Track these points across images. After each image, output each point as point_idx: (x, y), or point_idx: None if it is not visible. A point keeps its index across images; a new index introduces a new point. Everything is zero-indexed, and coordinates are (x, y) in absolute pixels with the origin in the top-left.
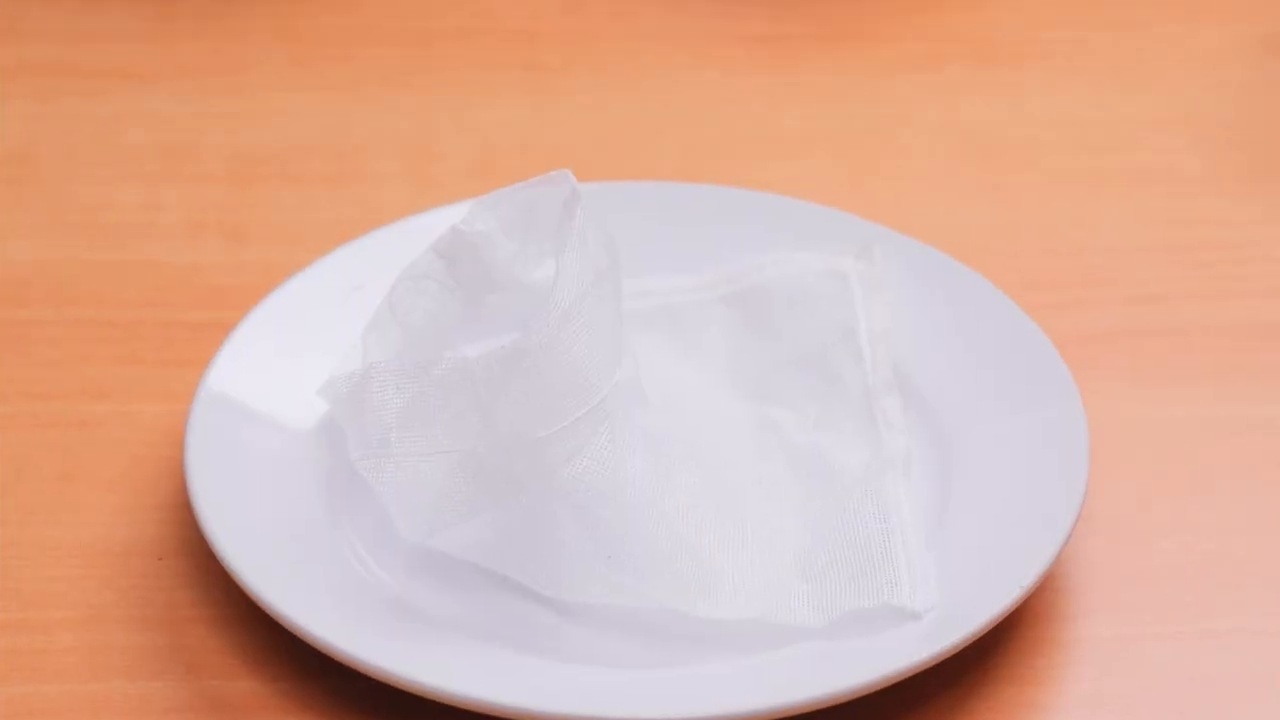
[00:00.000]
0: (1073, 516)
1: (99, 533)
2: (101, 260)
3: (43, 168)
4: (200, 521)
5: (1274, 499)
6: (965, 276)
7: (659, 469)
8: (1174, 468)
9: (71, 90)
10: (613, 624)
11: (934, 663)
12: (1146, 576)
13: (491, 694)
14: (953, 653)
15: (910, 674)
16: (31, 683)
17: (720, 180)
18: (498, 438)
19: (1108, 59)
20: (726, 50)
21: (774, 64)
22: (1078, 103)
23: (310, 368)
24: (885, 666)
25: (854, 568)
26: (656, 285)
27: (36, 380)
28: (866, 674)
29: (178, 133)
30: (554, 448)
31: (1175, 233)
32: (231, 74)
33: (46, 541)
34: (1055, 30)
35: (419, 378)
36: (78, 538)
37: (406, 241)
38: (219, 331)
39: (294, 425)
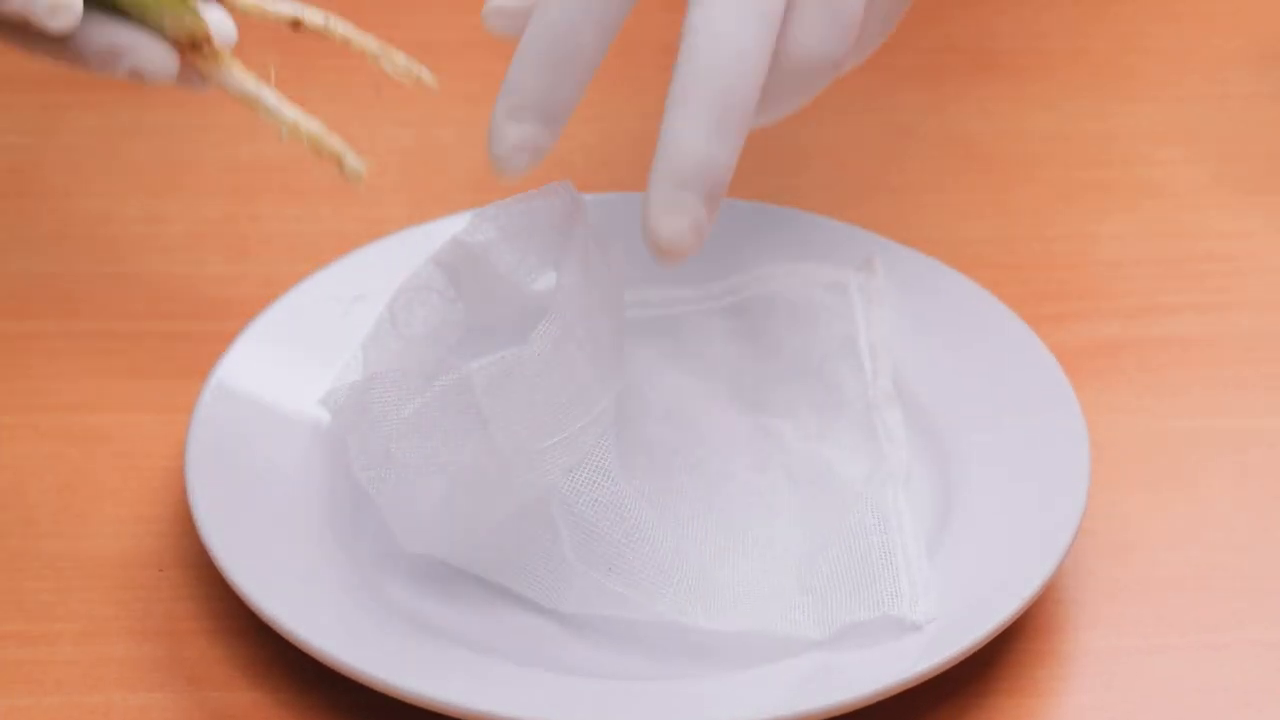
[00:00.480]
0: (1073, 528)
1: (100, 544)
2: (103, 272)
3: (44, 181)
4: (201, 533)
5: (1275, 511)
6: (966, 288)
7: (660, 479)
8: (1175, 479)
9: (73, 103)
10: (613, 636)
11: (934, 674)
12: (1147, 588)
13: (492, 705)
14: (953, 664)
15: (910, 686)
16: (33, 694)
17: None
18: (498, 449)
19: (1108, 71)
20: None
21: None
22: (1078, 114)
23: (311, 379)
24: (885, 678)
25: (855, 579)
26: (657, 296)
27: (38, 392)
28: (866, 686)
29: (179, 145)
30: (554, 459)
31: (1176, 244)
32: None
33: (47, 553)
34: (1056, 42)
35: (420, 389)
36: (79, 549)
37: (407, 253)
38: (220, 343)
39: (295, 436)
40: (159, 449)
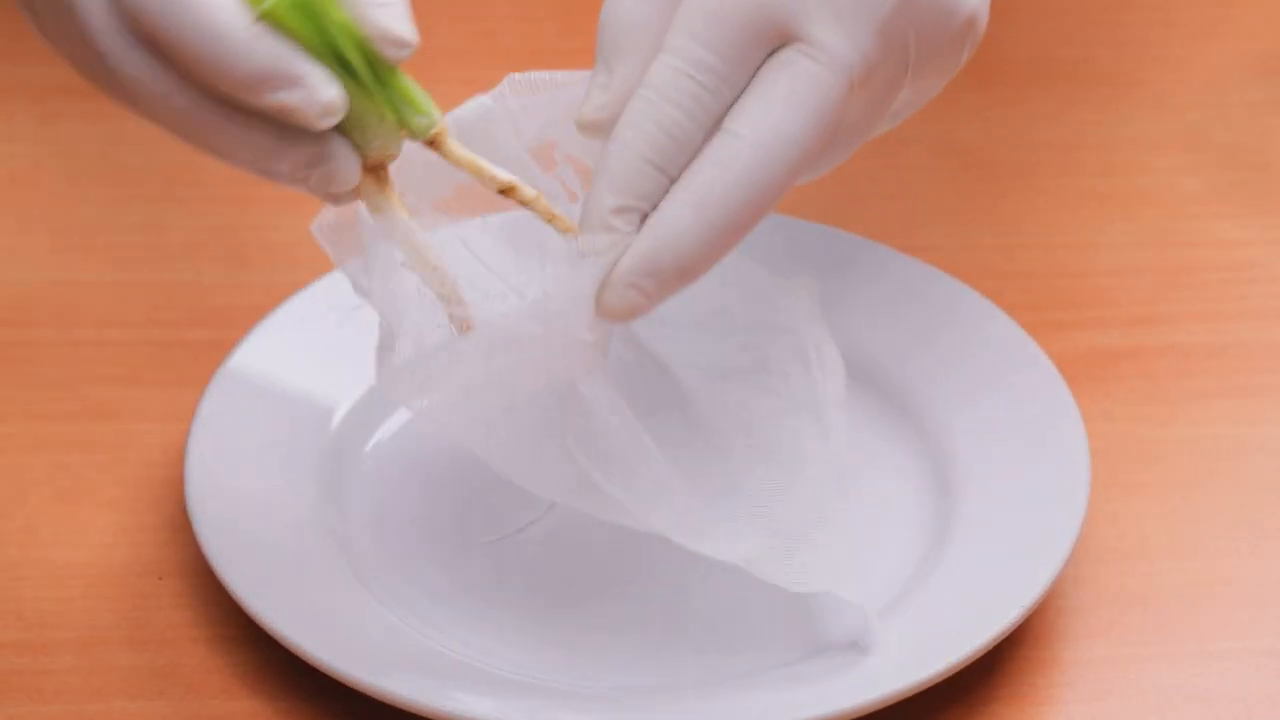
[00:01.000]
0: (1073, 537)
1: (99, 553)
2: (103, 281)
3: (44, 189)
4: (200, 542)
5: (1275, 520)
6: (966, 296)
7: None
8: (1175, 488)
9: (73, 112)
10: (613, 649)
11: (934, 682)
12: (1147, 597)
13: (491, 714)
14: (953, 672)
15: (909, 694)
16: (33, 703)
17: None
18: (549, 316)
19: (1109, 80)
20: None
21: None
22: (1079, 123)
23: (311, 386)
24: (883, 686)
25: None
26: None
27: (38, 401)
28: (864, 694)
29: (178, 154)
30: (589, 357)
31: (1176, 253)
32: None
33: (47, 562)
34: (1056, 51)
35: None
36: (78, 558)
37: None
38: (220, 351)
39: (294, 444)
40: (159, 457)
